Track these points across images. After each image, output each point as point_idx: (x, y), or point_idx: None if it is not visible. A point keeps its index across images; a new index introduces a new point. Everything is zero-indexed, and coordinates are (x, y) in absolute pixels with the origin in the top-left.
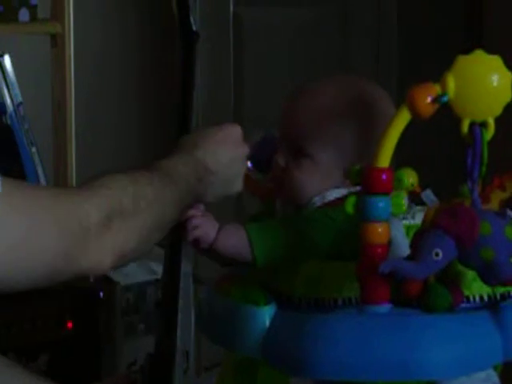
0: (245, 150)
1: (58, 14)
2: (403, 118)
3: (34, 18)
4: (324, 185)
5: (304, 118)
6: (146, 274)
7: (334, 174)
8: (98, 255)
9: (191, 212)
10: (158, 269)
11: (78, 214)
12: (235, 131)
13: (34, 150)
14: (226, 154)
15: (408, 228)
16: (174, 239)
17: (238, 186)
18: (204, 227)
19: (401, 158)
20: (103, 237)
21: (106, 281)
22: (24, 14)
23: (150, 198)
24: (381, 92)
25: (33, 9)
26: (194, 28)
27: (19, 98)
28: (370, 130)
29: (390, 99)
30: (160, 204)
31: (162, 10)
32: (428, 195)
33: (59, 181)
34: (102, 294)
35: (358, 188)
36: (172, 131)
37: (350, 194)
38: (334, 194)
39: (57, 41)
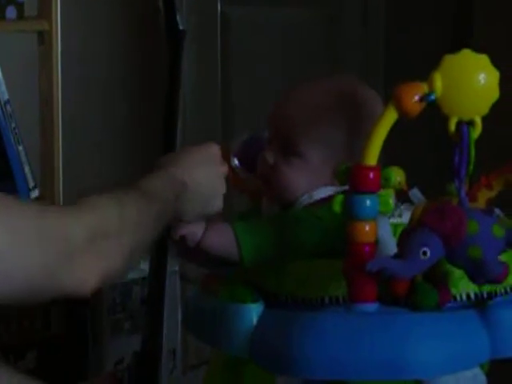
0: (224, 169)
1: (45, 11)
2: (390, 117)
3: (21, 15)
4: (313, 183)
5: (296, 116)
6: (131, 271)
7: (323, 173)
8: (82, 275)
9: None
10: (144, 267)
11: (64, 233)
12: (214, 150)
13: (20, 148)
14: (203, 173)
15: (395, 227)
16: (160, 238)
17: (217, 204)
18: (190, 226)
19: (388, 157)
20: (88, 257)
21: None
22: (11, 12)
23: (134, 219)
24: (371, 92)
25: (20, 6)
26: (181, 26)
27: (6, 96)
28: (360, 129)
29: (380, 99)
30: (143, 224)
31: (149, 7)
32: (415, 194)
33: (46, 179)
34: None
35: (345, 187)
36: (159, 128)
37: (338, 193)
38: (322, 194)
39: (44, 38)
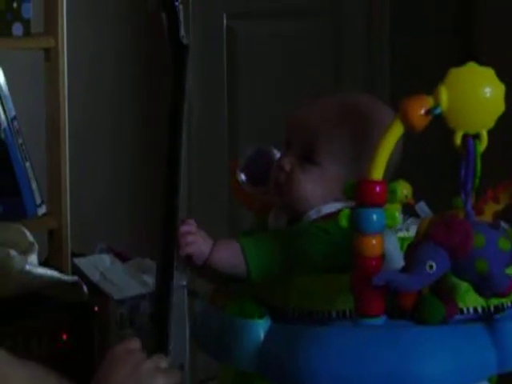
0: (153, 363)
1: (51, 28)
2: (396, 131)
3: (27, 32)
4: (326, 195)
5: (320, 125)
6: (138, 287)
7: (337, 186)
8: None
9: (184, 229)
10: (151, 281)
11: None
12: (133, 346)
13: (27, 164)
14: (129, 378)
15: (402, 240)
16: (166, 253)
17: None
18: (197, 244)
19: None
20: None
21: (99, 295)
22: (17, 29)
23: None
24: (389, 111)
25: (26, 23)
26: (185, 41)
27: (13, 112)
28: (373, 145)
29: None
30: None
31: (155, 23)
32: (422, 207)
33: (53, 195)
34: (96, 308)
35: (353, 203)
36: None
37: (347, 208)
38: (330, 208)
39: (50, 55)
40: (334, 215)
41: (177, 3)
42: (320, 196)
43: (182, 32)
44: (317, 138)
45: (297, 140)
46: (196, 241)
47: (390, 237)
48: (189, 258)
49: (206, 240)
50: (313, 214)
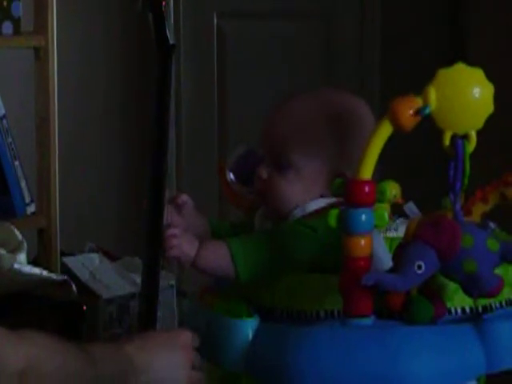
0: (189, 356)
1: (41, 27)
2: (385, 131)
3: (17, 31)
4: (307, 194)
5: (287, 130)
6: (128, 286)
7: (317, 183)
8: None
9: (169, 232)
10: (140, 281)
11: None
12: (183, 337)
13: (17, 163)
14: (164, 361)
15: (391, 240)
16: (151, 254)
17: None
18: (182, 247)
19: (383, 170)
20: None
21: (88, 294)
22: (7, 27)
23: (70, 372)
24: (358, 100)
25: (16, 22)
26: (171, 41)
27: (2, 111)
28: (351, 138)
29: (368, 106)
30: (76, 382)
31: (146, 23)
32: (410, 207)
33: (42, 194)
34: (85, 307)
35: (337, 199)
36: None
37: (330, 204)
38: (315, 206)
39: (40, 54)
40: (321, 212)
41: (163, 4)
42: (301, 196)
43: (168, 31)
44: (285, 143)
45: (270, 149)
46: (180, 244)
47: (377, 237)
48: (176, 260)
49: (192, 242)
50: (298, 212)
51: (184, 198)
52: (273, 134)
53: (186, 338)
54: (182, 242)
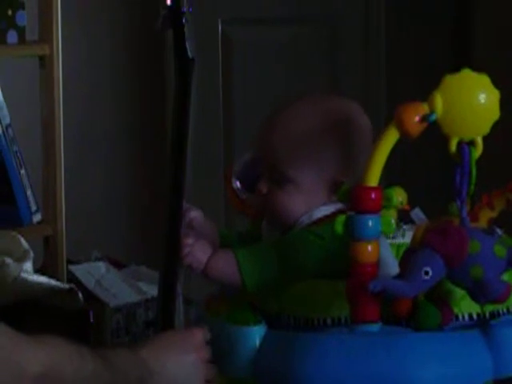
0: (203, 355)
1: (46, 35)
2: (391, 137)
3: (22, 39)
4: (309, 205)
5: (280, 144)
6: (135, 294)
7: (317, 193)
8: None
9: (186, 240)
10: (147, 289)
11: (17, 362)
12: (197, 338)
13: (23, 171)
14: (178, 362)
15: (398, 247)
16: (170, 263)
17: None
18: (195, 254)
19: (390, 177)
20: None
21: (95, 302)
22: (12, 36)
23: (88, 377)
24: (353, 105)
25: (21, 31)
26: (190, 55)
27: (8, 120)
28: (348, 144)
29: (362, 111)
30: None
31: (152, 33)
32: (417, 214)
33: (48, 203)
34: (91, 315)
35: (343, 205)
36: (161, 150)
37: (337, 211)
38: (321, 213)
39: (45, 62)
40: (327, 219)
41: (184, 20)
42: (303, 208)
43: (188, 45)
44: (279, 158)
45: (267, 164)
46: (192, 252)
47: (384, 243)
48: (189, 267)
49: (205, 250)
50: (305, 220)
51: (193, 213)
52: (268, 150)
53: (200, 337)
54: (195, 250)
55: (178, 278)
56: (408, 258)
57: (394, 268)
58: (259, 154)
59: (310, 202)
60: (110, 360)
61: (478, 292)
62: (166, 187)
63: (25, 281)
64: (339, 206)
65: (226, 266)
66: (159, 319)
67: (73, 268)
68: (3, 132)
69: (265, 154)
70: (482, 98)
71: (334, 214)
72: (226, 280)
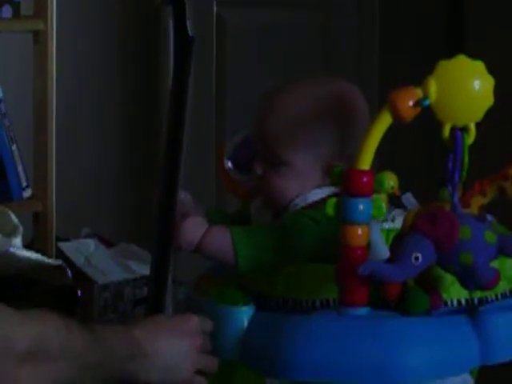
0: (197, 342)
1: (40, 11)
2: (384, 122)
3: (16, 14)
4: (304, 187)
5: (275, 127)
6: (123, 272)
7: (312, 176)
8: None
9: (180, 210)
10: (136, 268)
11: (5, 333)
12: (191, 323)
13: (14, 147)
14: (170, 346)
15: (388, 231)
16: (164, 241)
17: (182, 375)
18: (191, 227)
19: (381, 161)
20: (19, 370)
21: (83, 280)
22: (7, 11)
23: (77, 351)
24: (350, 87)
25: (15, 5)
26: (190, 33)
27: (0, 95)
28: (344, 126)
29: (360, 93)
30: (82, 362)
31: (146, 9)
32: (408, 198)
33: (39, 179)
34: (79, 292)
35: (339, 189)
36: (153, 126)
37: (333, 194)
38: (316, 195)
39: (39, 38)
40: (322, 202)
41: None
42: (298, 190)
43: (188, 23)
44: (276, 139)
45: (262, 146)
46: (187, 225)
47: (374, 227)
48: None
49: (201, 225)
50: (299, 202)
51: (182, 195)
52: (263, 132)
53: (194, 324)
54: (190, 223)
55: (170, 258)
56: (398, 242)
57: (384, 252)
58: (255, 136)
59: (305, 185)
60: (99, 335)
61: (468, 278)
62: (161, 166)
63: (13, 256)
64: (334, 189)
65: (221, 243)
66: (151, 299)
67: (62, 245)
68: None
69: (261, 135)
70: (477, 84)
71: (329, 198)
72: (219, 256)
